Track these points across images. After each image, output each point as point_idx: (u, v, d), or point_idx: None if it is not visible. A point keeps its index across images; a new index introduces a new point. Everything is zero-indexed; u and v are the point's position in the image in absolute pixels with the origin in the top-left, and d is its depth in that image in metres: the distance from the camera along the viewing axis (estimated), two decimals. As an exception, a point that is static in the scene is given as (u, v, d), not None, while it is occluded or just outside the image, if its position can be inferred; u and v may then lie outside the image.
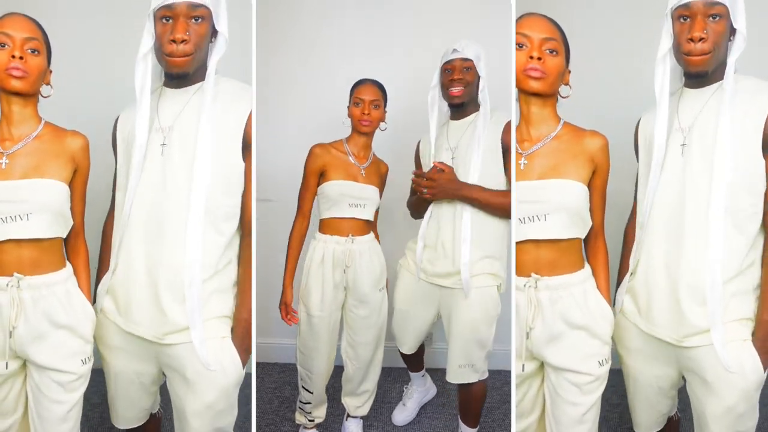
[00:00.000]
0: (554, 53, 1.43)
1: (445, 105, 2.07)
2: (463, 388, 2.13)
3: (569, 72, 1.50)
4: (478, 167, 1.89)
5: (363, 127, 2.09)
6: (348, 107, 2.15)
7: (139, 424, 1.70)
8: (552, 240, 1.46)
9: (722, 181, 1.33)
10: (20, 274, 1.39)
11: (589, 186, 1.53)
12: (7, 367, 1.44)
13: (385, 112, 2.16)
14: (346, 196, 2.10)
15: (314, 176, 2.12)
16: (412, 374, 2.64)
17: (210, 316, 1.46)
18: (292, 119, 2.96)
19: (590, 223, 1.55)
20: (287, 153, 2.94)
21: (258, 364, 2.93)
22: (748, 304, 1.41)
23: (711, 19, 1.36)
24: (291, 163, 2.78)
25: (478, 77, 1.96)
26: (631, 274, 1.58)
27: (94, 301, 1.60)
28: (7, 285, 1.38)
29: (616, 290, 1.66)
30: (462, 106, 2.01)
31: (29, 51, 1.40)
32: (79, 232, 1.58)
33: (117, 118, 1.60)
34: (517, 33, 1.43)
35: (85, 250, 1.59)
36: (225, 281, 1.51)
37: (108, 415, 2.44)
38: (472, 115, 2.01)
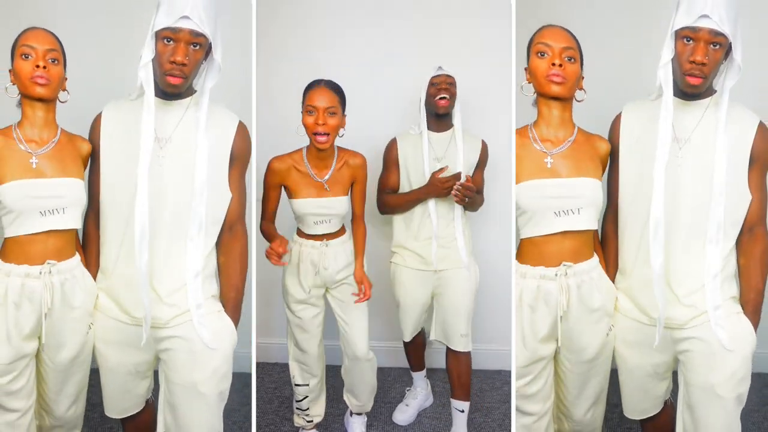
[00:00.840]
0: (572, 60, 1.58)
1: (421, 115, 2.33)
2: (455, 362, 2.36)
3: (583, 78, 1.65)
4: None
5: (319, 143, 1.93)
6: (302, 113, 1.99)
7: (136, 411, 1.81)
8: (579, 231, 1.64)
9: (721, 197, 1.55)
10: (53, 261, 1.60)
11: None
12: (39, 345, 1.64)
13: (345, 116, 2.01)
14: (310, 215, 2.08)
15: (273, 190, 2.07)
16: (414, 375, 2.68)
17: (206, 296, 1.67)
18: (291, 122, 2.95)
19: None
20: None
21: (258, 364, 2.93)
22: (734, 286, 1.67)
23: (712, 46, 1.50)
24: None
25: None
26: (620, 271, 1.76)
27: None
28: (40, 273, 1.57)
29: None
30: (444, 116, 2.31)
31: (50, 61, 1.57)
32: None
33: (98, 116, 1.70)
34: (538, 43, 1.59)
35: (80, 237, 1.79)
36: (210, 268, 1.71)
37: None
38: (450, 130, 2.33)
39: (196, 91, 1.69)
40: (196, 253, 1.63)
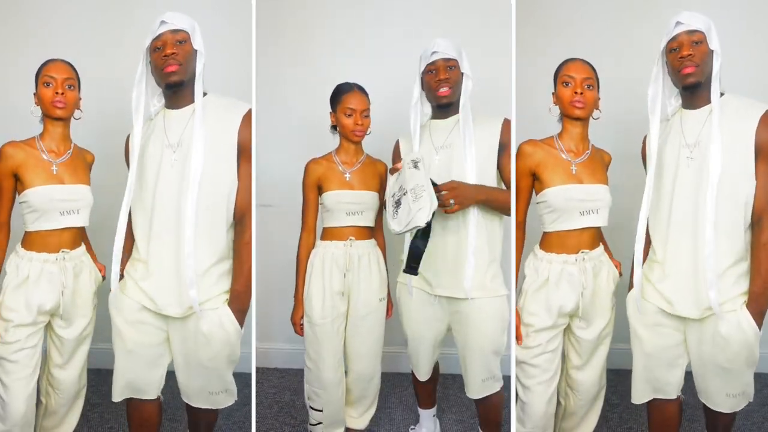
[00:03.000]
0: (591, 88, 1.89)
1: (426, 106, 2.06)
2: (484, 400, 2.09)
3: (599, 99, 1.94)
4: (475, 166, 1.90)
5: (356, 137, 2.11)
6: (331, 114, 2.14)
7: (150, 397, 1.90)
8: (595, 226, 1.96)
9: (713, 190, 1.72)
10: (66, 250, 1.93)
11: None
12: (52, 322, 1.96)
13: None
14: (342, 204, 2.09)
15: (311, 190, 2.15)
16: (422, 412, 2.38)
17: (220, 291, 1.83)
18: (291, 127, 2.97)
19: None
20: (286, 160, 2.95)
21: (257, 369, 2.92)
22: (747, 280, 1.84)
23: (694, 44, 1.76)
24: (289, 169, 2.78)
25: (462, 75, 1.94)
26: (654, 263, 1.94)
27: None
28: (56, 259, 1.91)
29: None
30: (449, 105, 1.96)
31: (68, 87, 1.89)
32: None
33: (128, 136, 1.91)
34: (564, 75, 1.89)
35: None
36: (226, 264, 1.85)
37: (108, 415, 2.45)
38: (458, 114, 1.95)
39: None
40: (208, 243, 1.78)
